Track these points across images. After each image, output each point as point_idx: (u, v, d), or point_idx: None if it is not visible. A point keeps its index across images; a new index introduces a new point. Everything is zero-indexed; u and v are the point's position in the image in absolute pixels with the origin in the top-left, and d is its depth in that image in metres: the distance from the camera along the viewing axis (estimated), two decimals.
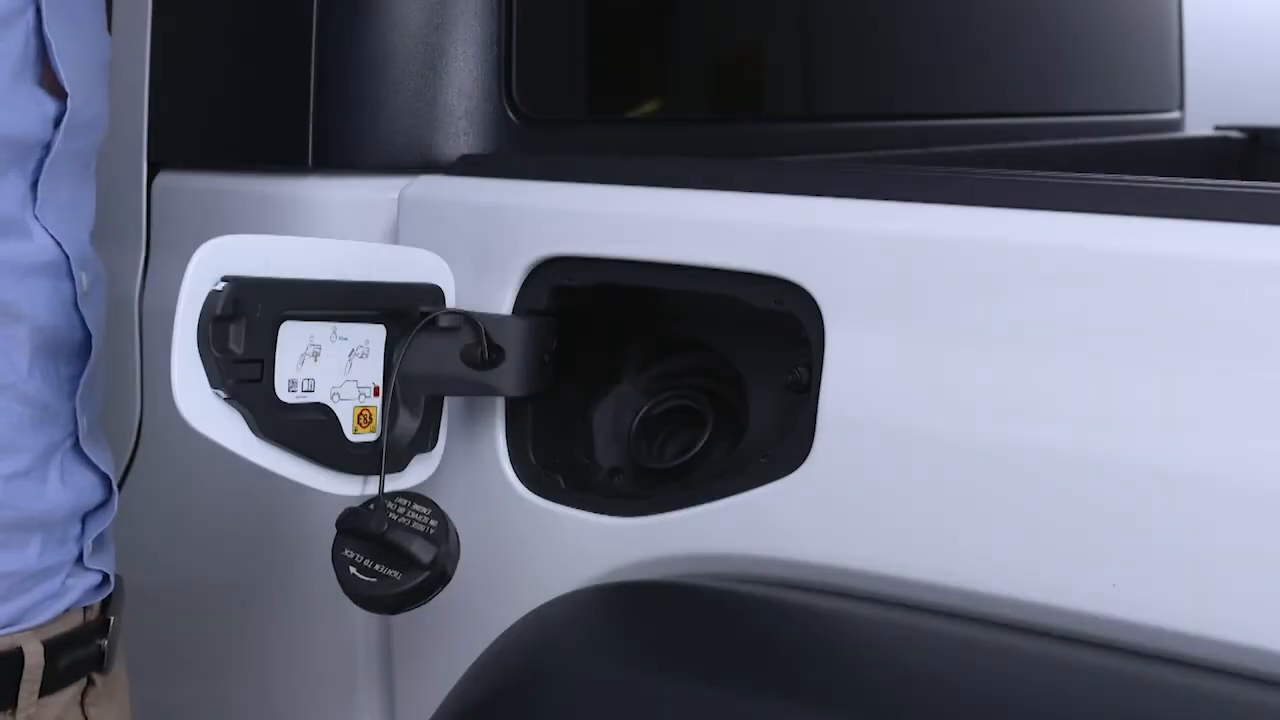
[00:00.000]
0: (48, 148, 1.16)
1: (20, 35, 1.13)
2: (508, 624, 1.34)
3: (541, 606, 1.33)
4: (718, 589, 1.27)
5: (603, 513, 1.34)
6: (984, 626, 1.17)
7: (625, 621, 1.31)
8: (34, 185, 1.15)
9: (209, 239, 1.19)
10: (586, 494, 1.37)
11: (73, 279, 1.18)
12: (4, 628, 1.16)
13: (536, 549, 1.38)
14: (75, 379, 1.21)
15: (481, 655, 1.33)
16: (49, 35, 1.14)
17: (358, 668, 1.50)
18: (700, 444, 1.38)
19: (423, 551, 1.24)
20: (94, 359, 1.22)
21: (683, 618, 1.27)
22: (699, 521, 1.29)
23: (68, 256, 1.18)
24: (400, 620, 1.47)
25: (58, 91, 1.16)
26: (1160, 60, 2.66)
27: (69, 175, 1.19)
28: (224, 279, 1.19)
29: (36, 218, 1.15)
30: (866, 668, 1.20)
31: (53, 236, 1.16)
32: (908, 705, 1.13)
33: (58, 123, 1.16)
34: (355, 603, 1.27)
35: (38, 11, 1.14)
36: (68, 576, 1.21)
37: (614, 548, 1.33)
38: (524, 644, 1.32)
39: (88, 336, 1.21)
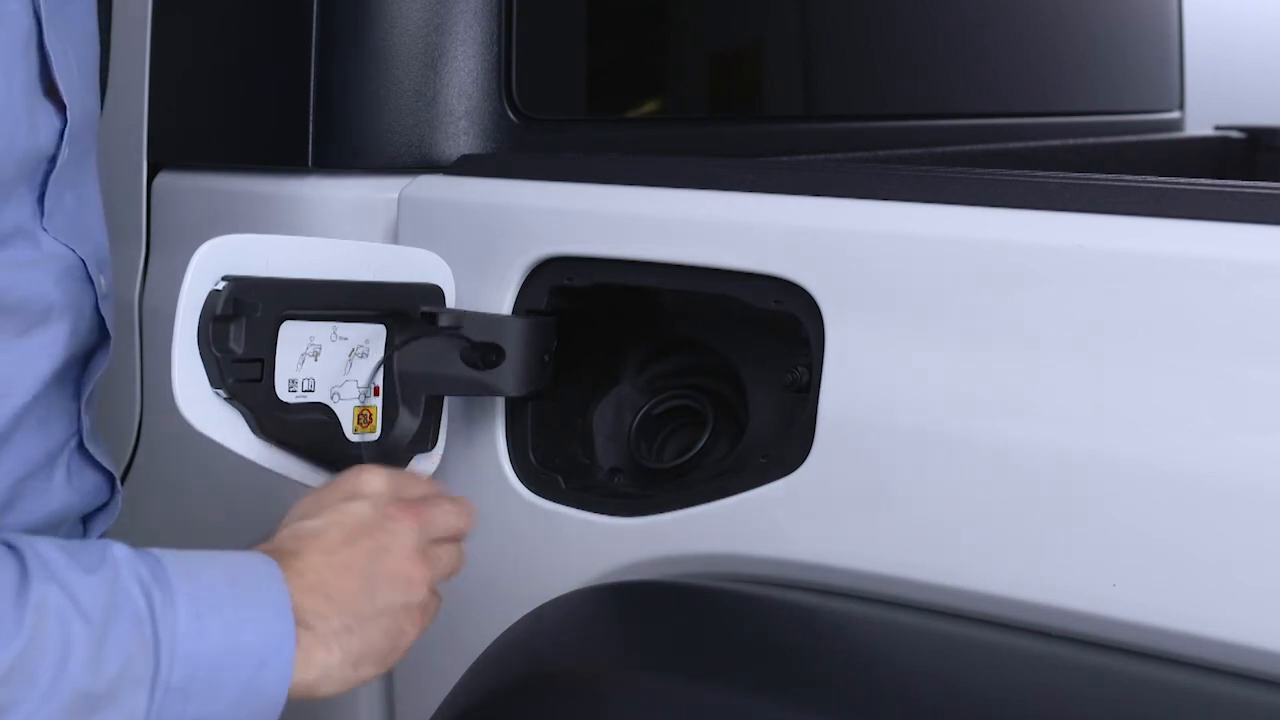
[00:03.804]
0: (53, 160, 1.14)
1: (31, 51, 1.11)
2: (508, 624, 1.34)
3: (541, 607, 1.33)
4: (718, 589, 1.27)
5: (603, 513, 1.34)
6: (984, 626, 1.17)
7: (625, 621, 1.31)
8: (40, 198, 1.13)
9: (209, 239, 1.19)
10: (586, 494, 1.37)
11: (92, 282, 1.18)
12: None
13: (536, 549, 1.38)
14: (81, 379, 1.20)
15: (481, 655, 1.33)
16: (49, 47, 1.12)
17: None
18: (700, 444, 1.38)
19: None
20: (108, 360, 1.21)
21: (683, 618, 1.27)
22: (699, 521, 1.29)
23: (83, 261, 1.17)
24: None
25: (59, 103, 1.14)
26: (1160, 60, 2.66)
27: (72, 182, 1.18)
28: (224, 279, 1.19)
29: (45, 230, 1.15)
30: (866, 668, 1.20)
31: (65, 244, 1.16)
32: (907, 705, 1.13)
33: (61, 134, 1.15)
34: None
35: (38, 23, 1.11)
36: None
37: (614, 548, 1.33)
38: (523, 644, 1.32)
39: (105, 338, 1.20)
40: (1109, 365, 1.12)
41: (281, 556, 1.07)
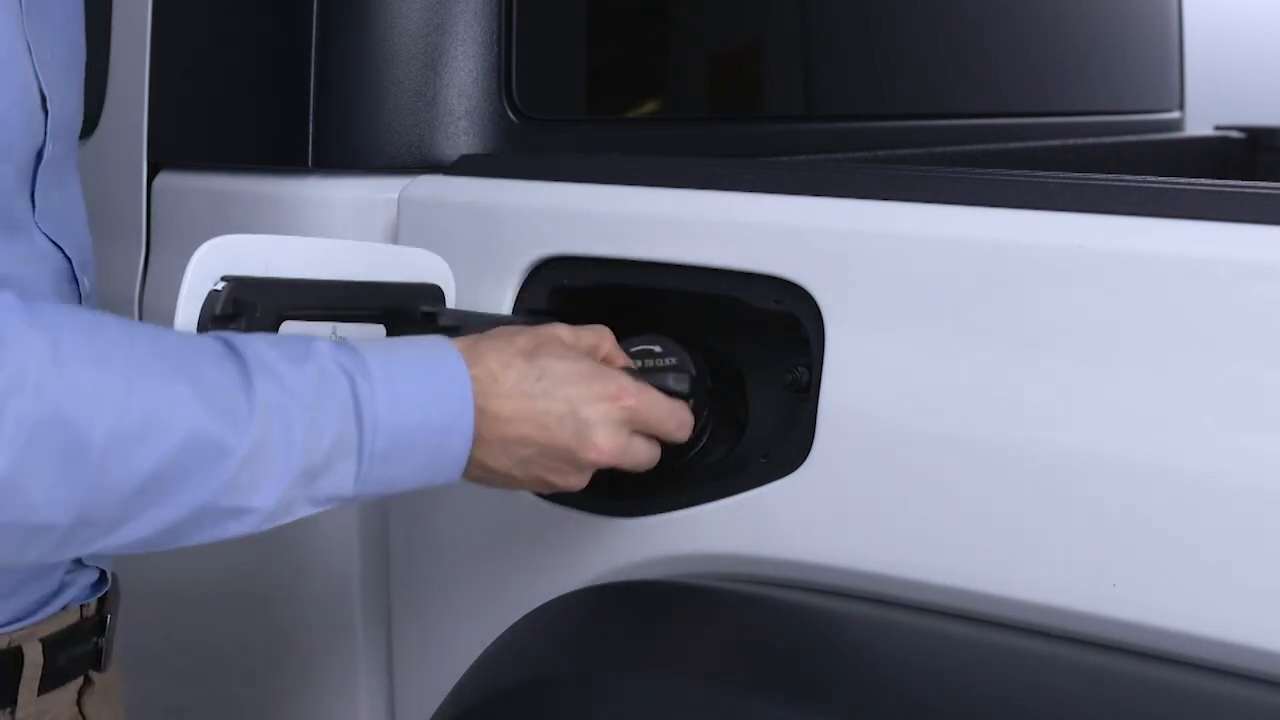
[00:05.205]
0: (40, 155, 1.14)
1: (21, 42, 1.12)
2: (508, 624, 1.34)
3: (541, 606, 1.33)
4: (717, 589, 1.27)
5: (603, 513, 1.34)
6: (984, 626, 1.17)
7: (624, 621, 1.31)
8: (31, 194, 1.14)
9: (209, 239, 1.19)
10: (586, 494, 1.37)
11: (77, 282, 1.18)
12: (3, 626, 1.16)
13: (536, 549, 1.38)
14: None
15: (481, 655, 1.33)
16: (30, 41, 1.11)
17: (358, 668, 1.50)
18: (700, 444, 1.38)
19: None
20: None
21: (682, 618, 1.27)
22: (699, 521, 1.29)
23: (70, 260, 1.17)
24: (400, 620, 1.47)
25: (40, 96, 1.13)
26: (1160, 60, 2.66)
27: (57, 180, 1.18)
28: (224, 279, 1.19)
29: (38, 225, 1.15)
30: (866, 668, 1.20)
31: (54, 242, 1.16)
32: (907, 705, 1.13)
33: (45, 127, 1.14)
34: None
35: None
36: (66, 573, 1.21)
37: (614, 548, 1.33)
38: (524, 644, 1.32)
39: None
40: (1109, 365, 1.12)
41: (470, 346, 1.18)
